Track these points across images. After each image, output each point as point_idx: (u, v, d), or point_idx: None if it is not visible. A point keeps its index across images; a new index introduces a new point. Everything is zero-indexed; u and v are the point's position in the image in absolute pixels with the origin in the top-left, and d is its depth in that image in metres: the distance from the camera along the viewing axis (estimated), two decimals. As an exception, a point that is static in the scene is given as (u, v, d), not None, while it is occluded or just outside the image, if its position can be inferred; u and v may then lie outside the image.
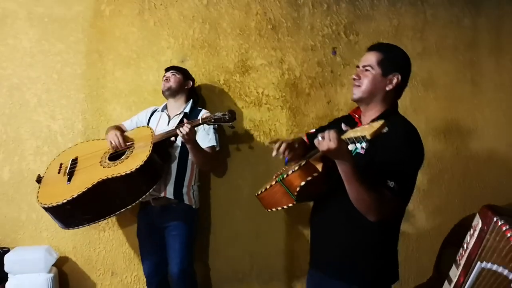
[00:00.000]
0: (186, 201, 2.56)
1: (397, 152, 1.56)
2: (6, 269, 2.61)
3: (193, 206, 2.61)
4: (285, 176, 1.60)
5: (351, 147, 1.41)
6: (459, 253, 1.74)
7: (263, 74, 2.98)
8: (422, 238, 3.04)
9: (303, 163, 1.59)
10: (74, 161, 2.45)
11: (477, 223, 1.62)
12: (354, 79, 1.71)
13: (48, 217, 2.73)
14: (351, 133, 1.41)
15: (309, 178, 1.56)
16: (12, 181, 2.77)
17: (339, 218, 1.67)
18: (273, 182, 1.64)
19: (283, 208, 1.65)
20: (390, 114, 1.67)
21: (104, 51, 2.86)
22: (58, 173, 2.42)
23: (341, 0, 3.02)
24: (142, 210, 2.65)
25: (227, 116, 2.31)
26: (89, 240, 2.83)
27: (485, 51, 3.11)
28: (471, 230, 1.66)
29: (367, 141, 1.35)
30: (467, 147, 3.09)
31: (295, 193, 1.58)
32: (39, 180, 2.45)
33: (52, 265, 2.70)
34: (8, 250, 2.70)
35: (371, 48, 1.73)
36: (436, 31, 3.09)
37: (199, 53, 2.92)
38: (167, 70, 2.72)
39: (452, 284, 1.69)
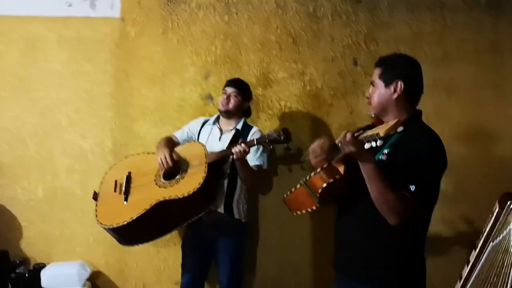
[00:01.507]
0: (236, 216, 2.58)
1: (418, 157, 1.60)
2: (42, 284, 2.70)
3: (242, 220, 2.62)
4: (307, 178, 1.66)
5: (367, 145, 1.48)
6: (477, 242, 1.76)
7: (285, 87, 3.02)
8: (449, 244, 3.01)
9: (325, 165, 1.64)
10: (128, 178, 2.47)
11: (495, 208, 1.65)
12: (367, 97, 1.79)
13: (81, 233, 2.87)
14: (367, 132, 1.51)
15: (331, 180, 1.61)
16: (46, 198, 2.88)
17: (363, 223, 1.70)
18: (298, 185, 1.70)
19: (307, 211, 1.69)
20: (411, 121, 1.70)
21: (130, 70, 2.95)
22: (114, 191, 2.44)
23: (360, 10, 3.04)
24: (192, 223, 2.59)
25: (282, 137, 2.32)
26: (121, 255, 2.90)
27: (507, 54, 3.07)
28: (489, 216, 1.69)
29: (380, 138, 1.44)
30: (492, 151, 3.05)
31: (318, 195, 1.62)
32: (95, 197, 2.46)
33: (86, 280, 2.78)
34: (44, 266, 2.79)
35: (375, 65, 1.79)
36: (457, 35, 3.07)
37: (221, 68, 2.98)
38: (230, 83, 2.67)
39: (467, 268, 1.70)
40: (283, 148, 2.45)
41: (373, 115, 1.78)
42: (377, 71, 1.76)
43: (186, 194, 2.23)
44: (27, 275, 2.74)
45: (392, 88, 1.70)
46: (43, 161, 2.88)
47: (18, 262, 2.79)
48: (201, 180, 2.26)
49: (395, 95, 1.70)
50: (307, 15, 3.03)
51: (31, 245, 2.89)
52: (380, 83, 1.73)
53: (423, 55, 3.03)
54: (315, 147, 1.82)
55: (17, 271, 2.75)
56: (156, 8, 2.96)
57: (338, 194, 1.72)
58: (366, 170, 1.56)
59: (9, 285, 2.69)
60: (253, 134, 2.58)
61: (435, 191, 1.66)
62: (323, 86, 3.04)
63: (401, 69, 1.73)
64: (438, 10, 3.07)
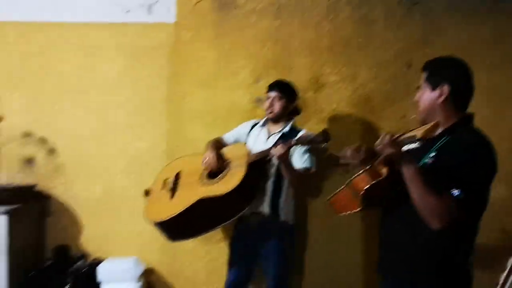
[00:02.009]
0: (282, 217, 2.61)
1: (464, 160, 1.57)
2: (99, 278, 2.85)
3: (290, 222, 2.65)
4: (351, 180, 1.69)
5: (405, 148, 1.52)
6: None
7: (336, 90, 3.01)
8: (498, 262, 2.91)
9: (368, 166, 1.66)
10: (177, 177, 2.60)
11: None
12: (416, 101, 1.78)
13: (136, 231, 3.00)
14: (406, 134, 1.55)
15: (373, 182, 1.62)
16: (104, 197, 3.04)
17: (407, 226, 1.68)
18: (343, 187, 1.74)
19: (351, 212, 1.73)
20: (459, 125, 1.67)
21: (184, 74, 3.03)
22: (162, 188, 2.59)
23: (414, 13, 2.99)
24: (240, 223, 2.67)
25: (320, 138, 2.33)
26: (173, 253, 3.00)
27: None
28: None
29: (417, 140, 1.48)
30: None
31: (360, 196, 1.65)
32: (147, 194, 2.62)
33: (140, 276, 2.91)
34: (100, 261, 2.94)
35: (422, 68, 1.77)
36: (512, 40, 2.97)
37: (272, 72, 3.00)
38: (271, 88, 2.69)
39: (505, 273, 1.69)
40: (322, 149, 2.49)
41: (420, 120, 1.76)
42: (424, 75, 1.74)
43: (224, 192, 2.33)
44: (84, 269, 2.90)
45: (438, 91, 1.68)
46: (101, 162, 3.04)
47: (77, 257, 2.97)
48: (240, 179, 2.35)
49: (441, 99, 1.67)
50: (359, 18, 3.00)
51: (89, 241, 3.06)
52: (426, 87, 1.71)
53: (479, 59, 2.90)
54: (351, 150, 1.81)
55: (76, 265, 2.91)
56: (209, 13, 3.03)
57: (382, 197, 1.72)
58: (406, 172, 1.56)
59: (67, 278, 2.86)
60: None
61: (482, 197, 1.63)
62: (374, 90, 3.01)
63: (447, 72, 1.70)
64: (495, 15, 2.97)
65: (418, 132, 1.48)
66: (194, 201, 2.37)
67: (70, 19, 3.03)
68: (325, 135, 2.32)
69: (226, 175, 2.46)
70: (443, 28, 2.98)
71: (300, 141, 2.36)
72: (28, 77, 3.05)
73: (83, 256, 3.01)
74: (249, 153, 2.48)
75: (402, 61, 2.99)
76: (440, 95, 1.68)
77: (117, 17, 3.03)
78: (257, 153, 2.50)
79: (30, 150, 3.04)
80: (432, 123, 1.52)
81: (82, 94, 3.04)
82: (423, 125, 1.71)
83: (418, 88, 1.76)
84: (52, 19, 3.03)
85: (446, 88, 1.67)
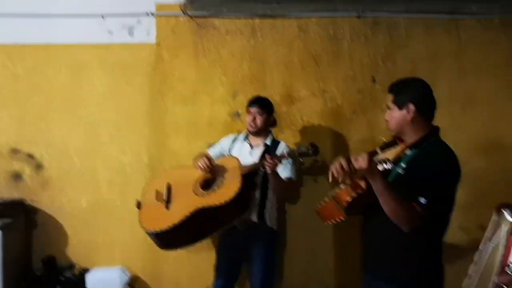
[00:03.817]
0: (269, 223, 2.76)
1: (429, 170, 1.79)
2: (88, 287, 2.98)
3: (274, 228, 2.81)
4: (335, 193, 1.86)
5: (380, 167, 1.73)
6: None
7: (307, 104, 3.24)
8: (465, 256, 3.09)
9: (349, 181, 1.83)
10: (169, 188, 2.65)
11: (493, 215, 1.86)
12: (386, 120, 1.99)
13: (120, 240, 3.13)
14: (380, 156, 1.79)
15: (354, 195, 1.80)
16: (89, 208, 3.17)
17: (386, 227, 1.86)
18: (327, 199, 1.90)
19: (337, 221, 1.88)
20: (427, 138, 1.88)
21: (165, 91, 3.22)
22: (156, 199, 2.62)
23: (378, 31, 3.24)
24: (227, 230, 2.75)
25: (310, 151, 2.53)
26: (156, 260, 3.15)
27: (524, 70, 3.21)
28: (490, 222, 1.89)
29: (390, 162, 1.73)
30: (508, 162, 3.16)
31: (344, 207, 1.83)
32: (139, 206, 2.65)
33: (126, 283, 3.03)
34: (88, 270, 3.07)
35: (388, 91, 1.98)
36: (472, 52, 3.22)
37: (248, 88, 3.21)
38: (252, 104, 2.86)
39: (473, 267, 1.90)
40: (310, 161, 2.68)
41: (392, 136, 2.00)
42: (390, 97, 1.96)
43: (223, 202, 2.43)
44: (74, 278, 3.02)
45: (405, 111, 1.89)
46: (86, 175, 3.18)
47: (66, 267, 3.09)
48: (236, 190, 2.46)
49: (409, 117, 1.89)
50: (327, 36, 3.24)
51: (76, 251, 3.17)
52: (394, 107, 1.93)
53: (440, 71, 3.20)
54: (339, 165, 1.97)
55: (65, 275, 3.03)
56: (188, 33, 3.23)
57: (363, 205, 1.92)
58: (375, 187, 1.76)
59: (58, 287, 2.97)
60: (283, 149, 2.78)
61: (448, 202, 1.85)
62: (343, 103, 3.24)
63: (410, 92, 1.92)
64: (454, 31, 3.23)
65: (390, 156, 1.72)
66: (192, 211, 2.43)
67: (59, 40, 3.20)
68: (314, 148, 2.53)
69: (221, 186, 2.55)
70: (405, 43, 3.24)
71: (292, 155, 2.56)
72: (16, 96, 3.18)
73: (72, 266, 3.12)
74: (241, 165, 2.61)
75: (368, 75, 3.24)
76: (407, 113, 1.89)
77: (100, 38, 3.20)
78: (249, 165, 2.64)
79: (17, 166, 3.17)
80: (401, 148, 1.76)
81: (68, 111, 3.19)
82: (395, 137, 1.97)
83: (387, 108, 1.96)
84: (39, 41, 3.18)
85: (411, 107, 1.88)
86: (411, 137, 1.90)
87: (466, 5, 3.23)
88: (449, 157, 1.84)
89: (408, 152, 1.80)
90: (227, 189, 2.49)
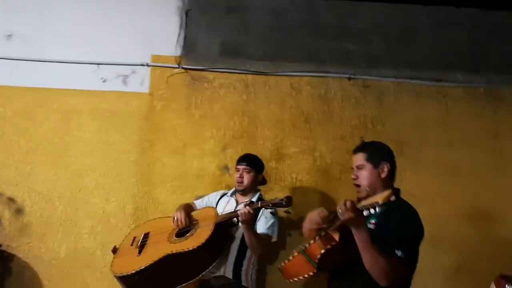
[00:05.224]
0: (244, 282, 2.67)
1: (402, 227, 1.83)
2: None
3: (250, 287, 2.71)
4: (307, 246, 1.83)
5: (365, 213, 1.71)
6: None
7: (296, 161, 3.25)
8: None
9: (323, 233, 1.82)
10: (146, 236, 2.66)
11: None
12: (353, 178, 2.03)
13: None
14: (364, 202, 1.77)
15: (328, 247, 1.78)
16: (68, 258, 3.06)
17: (354, 286, 1.86)
18: (295, 254, 1.86)
19: (304, 277, 1.84)
20: (396, 196, 1.90)
21: (155, 141, 3.22)
22: (131, 245, 2.64)
23: (368, 95, 3.32)
24: (202, 286, 2.71)
25: (284, 202, 2.51)
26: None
27: (508, 141, 3.29)
28: None
29: (379, 206, 1.69)
30: (493, 232, 3.18)
31: (316, 261, 1.79)
32: (114, 251, 2.65)
33: None
34: (60, 324, 2.93)
35: (356, 151, 2.07)
36: (459, 122, 3.31)
37: (238, 142, 3.24)
38: (240, 161, 2.86)
39: None
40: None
41: (363, 196, 1.97)
42: (361, 156, 2.03)
43: (191, 248, 2.41)
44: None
45: (380, 169, 1.97)
46: (68, 222, 3.09)
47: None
48: (206, 237, 2.45)
49: (383, 175, 1.96)
50: (318, 97, 3.32)
51: (50, 302, 3.03)
52: (368, 166, 1.99)
53: (428, 139, 3.26)
54: (315, 215, 1.99)
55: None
56: (182, 85, 3.28)
57: (334, 260, 1.87)
58: (360, 237, 1.75)
59: None
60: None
61: (416, 258, 1.87)
62: (332, 162, 3.26)
63: (385, 153, 2.03)
64: (441, 98, 3.34)
65: (378, 199, 1.71)
66: (161, 256, 2.42)
67: (50, 85, 3.21)
68: (288, 200, 2.52)
69: (193, 234, 2.55)
70: (393, 108, 3.33)
71: (265, 204, 2.55)
72: (1, 137, 3.15)
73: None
74: (216, 214, 2.62)
75: (357, 136, 3.28)
76: (382, 171, 1.97)
77: (93, 86, 3.22)
78: (224, 214, 2.64)
79: (-4, 209, 3.08)
80: (389, 192, 1.76)
81: (56, 156, 3.15)
82: (363, 199, 1.96)
83: (357, 167, 2.02)
84: (31, 84, 3.19)
85: (386, 166, 1.96)
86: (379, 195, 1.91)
87: (452, 74, 3.37)
88: (417, 216, 1.91)
89: (393, 198, 1.80)
90: (198, 237, 2.50)
